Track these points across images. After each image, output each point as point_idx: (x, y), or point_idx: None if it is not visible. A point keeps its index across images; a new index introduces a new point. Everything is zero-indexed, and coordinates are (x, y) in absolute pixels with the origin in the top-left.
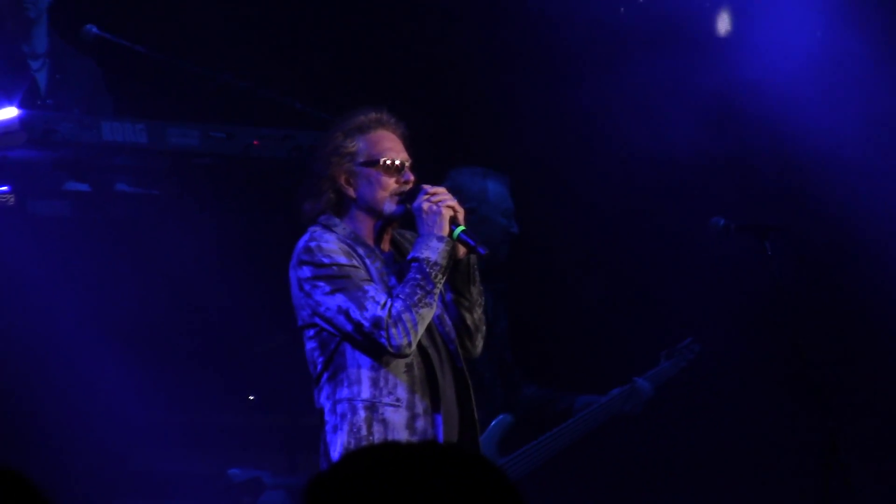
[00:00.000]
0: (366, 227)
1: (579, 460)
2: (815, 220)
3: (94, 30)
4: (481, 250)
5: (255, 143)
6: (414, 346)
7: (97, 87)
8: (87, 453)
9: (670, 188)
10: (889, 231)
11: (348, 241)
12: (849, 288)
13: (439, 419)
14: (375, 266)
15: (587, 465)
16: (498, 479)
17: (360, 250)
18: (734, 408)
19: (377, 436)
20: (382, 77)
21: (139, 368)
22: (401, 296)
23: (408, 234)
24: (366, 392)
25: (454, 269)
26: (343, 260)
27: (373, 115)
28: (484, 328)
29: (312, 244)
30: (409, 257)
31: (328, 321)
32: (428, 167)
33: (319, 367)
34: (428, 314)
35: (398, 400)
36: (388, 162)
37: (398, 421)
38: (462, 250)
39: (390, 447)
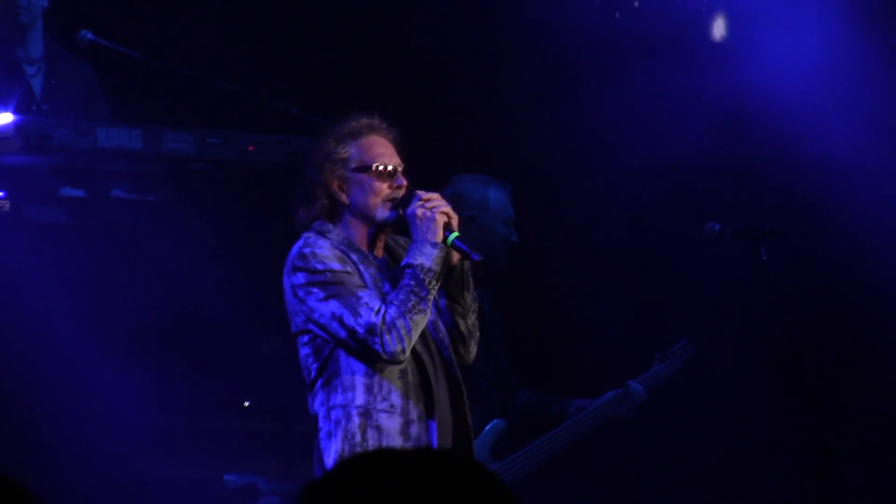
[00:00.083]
0: (359, 232)
1: (573, 464)
2: (813, 225)
3: (90, 35)
4: (475, 256)
5: (251, 148)
6: (408, 353)
7: (93, 93)
8: (83, 459)
9: (667, 192)
10: (887, 236)
11: (342, 248)
12: (846, 293)
13: (433, 425)
14: (369, 272)
15: (580, 470)
16: (493, 485)
17: (354, 256)
18: (729, 413)
19: (371, 442)
20: (379, 82)
21: (135, 374)
22: (395, 302)
23: (401, 240)
24: (360, 398)
25: (448, 275)
26: (337, 266)
27: (364, 121)
28: (477, 334)
29: (306, 250)
30: (403, 263)
31: (322, 327)
32: (430, 174)
33: (314, 373)
34: (422, 320)
35: (392, 406)
36: (381, 167)
37: (392, 427)
38: (456, 256)
39: (384, 453)
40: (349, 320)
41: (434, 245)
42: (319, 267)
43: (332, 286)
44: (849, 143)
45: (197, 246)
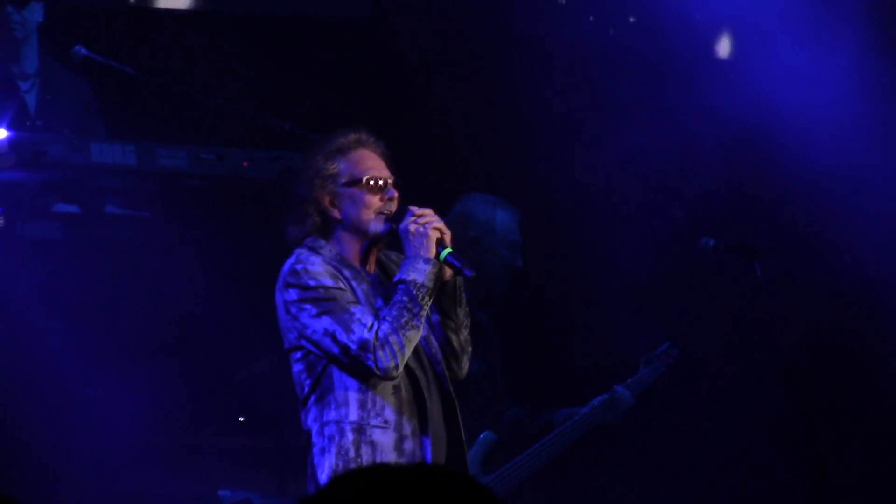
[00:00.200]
0: (352, 248)
1: (564, 473)
2: (806, 242)
3: (83, 51)
4: (468, 272)
5: (245, 164)
6: (401, 369)
7: (88, 108)
8: (78, 475)
9: (660, 204)
10: (881, 252)
11: (334, 263)
12: (840, 309)
13: (427, 441)
14: (362, 288)
15: (571, 478)
16: (487, 501)
17: (347, 272)
18: (724, 428)
19: (365, 458)
20: (372, 99)
21: (129, 389)
22: (387, 318)
23: (394, 256)
24: (353, 414)
25: (441, 290)
26: (329, 282)
27: (352, 136)
28: (470, 349)
29: (298, 266)
30: (395, 279)
31: (315, 344)
32: (419, 189)
33: (307, 389)
34: (415, 336)
35: (386, 422)
36: (371, 180)
37: (386, 443)
38: (449, 272)
39: (378, 469)
40: (342, 336)
41: (427, 261)
42: (312, 283)
43: (324, 302)
44: (847, 158)
45: (191, 262)
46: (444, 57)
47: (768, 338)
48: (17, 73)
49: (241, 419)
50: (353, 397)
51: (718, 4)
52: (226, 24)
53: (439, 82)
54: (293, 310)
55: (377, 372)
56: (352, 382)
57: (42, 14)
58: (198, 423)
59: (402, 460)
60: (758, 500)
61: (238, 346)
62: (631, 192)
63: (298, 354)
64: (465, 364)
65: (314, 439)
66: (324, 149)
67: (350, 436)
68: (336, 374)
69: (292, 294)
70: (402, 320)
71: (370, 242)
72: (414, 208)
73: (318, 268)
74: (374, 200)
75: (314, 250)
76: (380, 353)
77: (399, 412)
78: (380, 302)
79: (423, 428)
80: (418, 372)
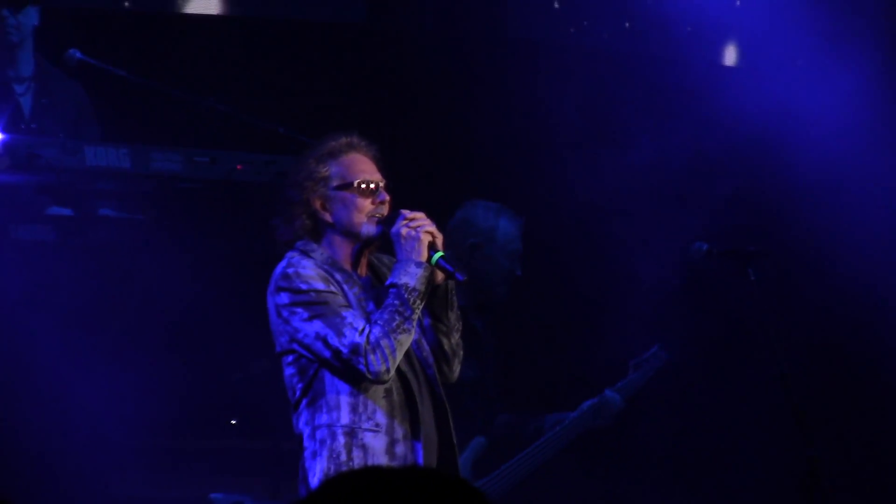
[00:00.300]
0: (343, 251)
1: (550, 480)
2: (800, 246)
3: (78, 54)
4: (459, 276)
5: (238, 167)
6: (392, 372)
7: (83, 112)
8: (70, 478)
9: (648, 209)
10: (874, 256)
11: (326, 267)
12: (832, 314)
13: (418, 444)
14: (353, 291)
15: (562, 483)
16: (479, 502)
17: (338, 276)
18: (715, 432)
19: (357, 461)
20: (365, 102)
21: (121, 393)
22: (379, 322)
23: (385, 259)
24: (345, 418)
25: (432, 294)
26: (321, 286)
27: (343, 140)
28: (461, 353)
29: (290, 270)
30: (387, 283)
31: (306, 347)
32: (407, 192)
33: (298, 392)
34: (406, 340)
35: (377, 425)
36: (363, 184)
37: (378, 446)
38: (440, 276)
39: (370, 472)
40: (333, 340)
41: (418, 265)
42: (303, 287)
43: (316, 306)
44: (848, 164)
45: (184, 265)
46: (437, 60)
47: (761, 342)
48: (13, 76)
49: (234, 422)
50: (344, 401)
51: (720, 12)
52: (219, 28)
53: (432, 86)
54: (285, 313)
55: (368, 376)
56: (343, 386)
57: (38, 18)
58: (190, 425)
59: (394, 464)
60: None
61: (231, 349)
62: (626, 196)
63: (290, 358)
64: (457, 368)
65: (306, 443)
66: (315, 152)
67: (342, 439)
68: (328, 377)
69: (284, 298)
70: (394, 324)
71: (362, 246)
72: (405, 212)
73: (309, 271)
74: (366, 204)
75: (306, 254)
76: (371, 356)
77: (390, 416)
78: (371, 305)
79: (414, 431)
80: (410, 376)
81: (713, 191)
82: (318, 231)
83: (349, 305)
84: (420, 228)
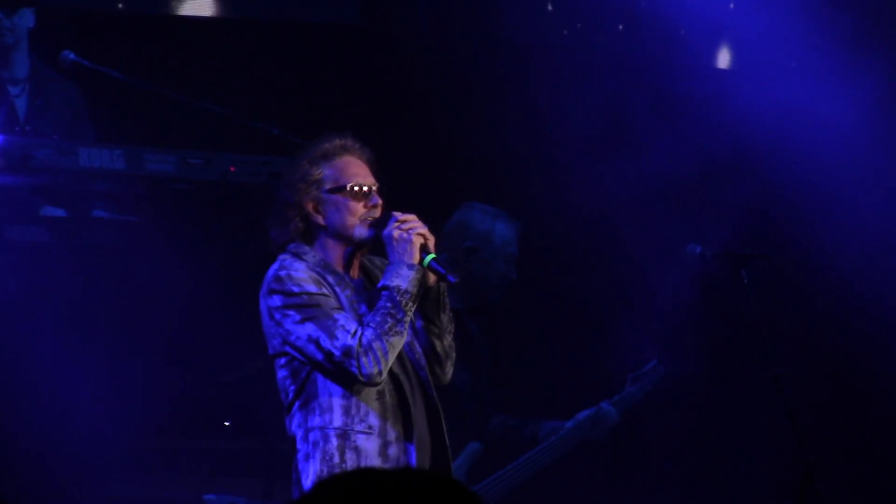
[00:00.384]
0: (335, 254)
1: (544, 483)
2: (794, 249)
3: (72, 56)
4: (451, 278)
5: (232, 168)
6: (385, 375)
7: (78, 114)
8: (64, 478)
9: (646, 213)
10: (869, 260)
11: (318, 270)
12: (827, 317)
13: (411, 446)
14: (345, 294)
15: (553, 490)
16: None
17: (330, 278)
18: (710, 436)
19: (350, 463)
20: (359, 104)
21: (115, 393)
22: (371, 324)
23: (377, 261)
24: (338, 420)
25: (424, 296)
26: (313, 288)
27: (337, 142)
28: (454, 355)
29: (282, 273)
30: (379, 285)
31: (299, 350)
32: (399, 194)
33: (291, 395)
34: (398, 342)
35: (370, 427)
36: (356, 187)
37: (371, 448)
38: (433, 278)
39: (363, 473)
40: (325, 343)
41: (410, 267)
42: (295, 289)
43: (308, 309)
44: (833, 166)
45: (178, 266)
46: (431, 61)
47: (756, 345)
48: (7, 77)
49: (227, 423)
50: (337, 403)
51: (714, 14)
52: (213, 30)
53: (426, 87)
54: (277, 316)
55: (361, 378)
56: (336, 388)
57: (33, 20)
58: (184, 426)
59: (387, 466)
60: None
61: (225, 351)
62: (624, 201)
63: (283, 360)
64: (449, 369)
65: (298, 445)
66: (309, 154)
67: (334, 441)
68: (320, 380)
69: (276, 300)
70: (386, 326)
71: (354, 248)
72: (397, 214)
73: (301, 274)
74: (358, 207)
75: (298, 256)
76: (363, 359)
77: (383, 418)
78: (364, 308)
79: (407, 433)
80: (402, 378)
81: (712, 194)
82: (310, 233)
83: (341, 308)
84: (412, 230)
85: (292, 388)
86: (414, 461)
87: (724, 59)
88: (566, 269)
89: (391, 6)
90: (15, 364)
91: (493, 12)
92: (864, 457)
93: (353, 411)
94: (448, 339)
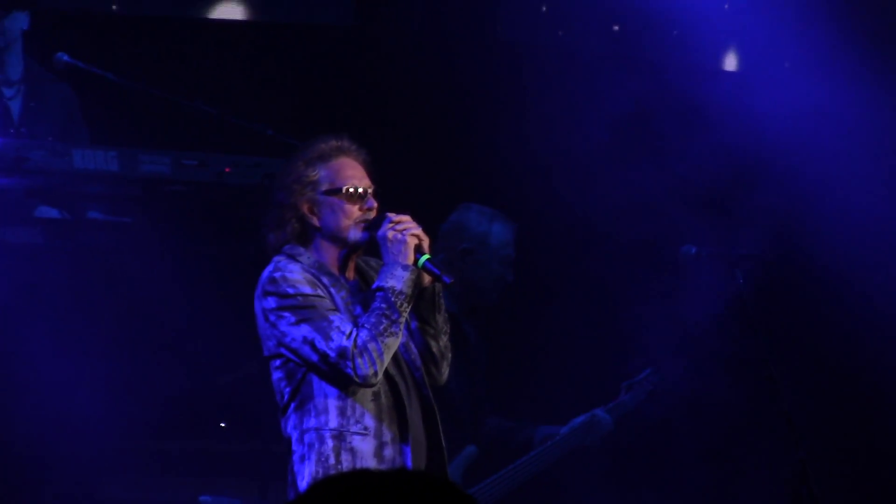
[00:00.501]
0: (330, 255)
1: (540, 484)
2: (789, 249)
3: (65, 57)
4: (446, 279)
5: (227, 170)
6: (380, 376)
7: (72, 116)
8: (58, 480)
9: (639, 216)
10: (863, 260)
11: (313, 271)
12: (821, 317)
13: (407, 448)
14: (340, 295)
15: (549, 491)
16: None
17: (325, 280)
18: (705, 435)
19: (345, 465)
20: (355, 105)
21: (110, 395)
22: (366, 325)
23: (372, 262)
24: (333, 421)
25: (419, 297)
26: (308, 290)
27: (333, 143)
28: (450, 355)
29: (277, 274)
30: (374, 286)
31: (294, 352)
32: (397, 194)
33: (286, 396)
34: (394, 343)
35: (366, 428)
36: (351, 190)
37: (366, 449)
38: (427, 278)
39: (359, 474)
40: (321, 344)
41: (405, 268)
42: (290, 291)
43: (303, 310)
44: (830, 168)
45: (173, 267)
46: (426, 62)
47: (750, 345)
48: (1, 79)
49: (223, 425)
50: (332, 405)
51: (709, 15)
52: (207, 31)
53: (421, 88)
54: (272, 318)
55: (356, 379)
56: (331, 390)
57: (27, 22)
58: (179, 428)
59: (383, 467)
60: None
61: (219, 352)
62: (622, 203)
63: (278, 362)
64: (445, 370)
65: (294, 447)
66: (304, 155)
67: (330, 443)
68: (315, 381)
69: (271, 302)
70: (381, 327)
71: (349, 249)
72: (392, 215)
73: (296, 275)
74: (354, 210)
75: (293, 258)
76: (358, 360)
77: (379, 419)
78: (359, 309)
79: (402, 435)
80: (398, 379)
81: (711, 196)
82: (305, 235)
83: (336, 309)
84: (406, 231)
85: (287, 389)
86: (409, 462)
87: (730, 62)
88: (563, 271)
89: (385, 7)
90: (9, 365)
91: (488, 13)
92: (860, 457)
93: (349, 413)
94: (444, 340)
